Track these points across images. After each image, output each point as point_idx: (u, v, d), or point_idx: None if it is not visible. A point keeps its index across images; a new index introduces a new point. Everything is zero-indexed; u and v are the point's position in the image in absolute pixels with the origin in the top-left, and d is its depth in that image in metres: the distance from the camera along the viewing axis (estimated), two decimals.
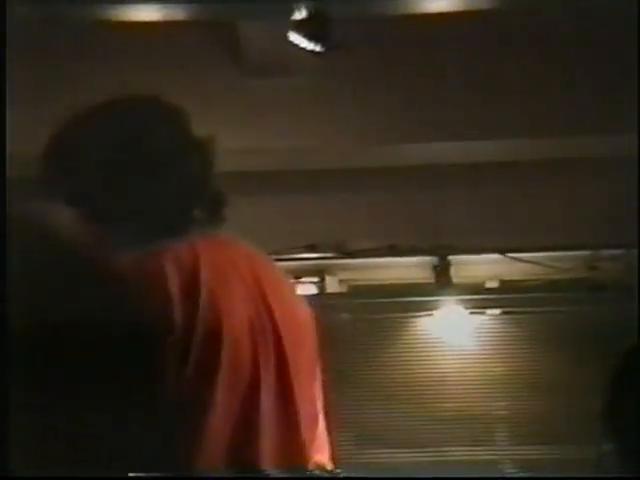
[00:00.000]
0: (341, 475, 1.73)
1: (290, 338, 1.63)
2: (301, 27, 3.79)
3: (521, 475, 4.70)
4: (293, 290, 1.76)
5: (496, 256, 4.78)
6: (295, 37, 3.82)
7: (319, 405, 1.72)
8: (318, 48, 3.81)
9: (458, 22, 4.10)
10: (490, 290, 4.89)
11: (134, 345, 1.46)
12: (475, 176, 4.65)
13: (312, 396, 1.68)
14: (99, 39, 4.26)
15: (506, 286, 4.89)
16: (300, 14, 3.74)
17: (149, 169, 1.61)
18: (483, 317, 4.87)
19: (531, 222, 4.72)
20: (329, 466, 1.72)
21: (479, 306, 4.81)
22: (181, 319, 1.50)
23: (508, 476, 4.69)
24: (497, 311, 4.88)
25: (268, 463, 1.55)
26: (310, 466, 1.64)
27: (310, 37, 3.80)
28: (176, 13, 3.90)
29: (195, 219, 1.64)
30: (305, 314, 1.73)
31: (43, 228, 1.37)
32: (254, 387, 1.56)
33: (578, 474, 4.29)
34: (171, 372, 1.49)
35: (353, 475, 1.60)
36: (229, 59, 4.35)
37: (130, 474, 1.27)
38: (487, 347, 4.84)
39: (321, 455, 1.71)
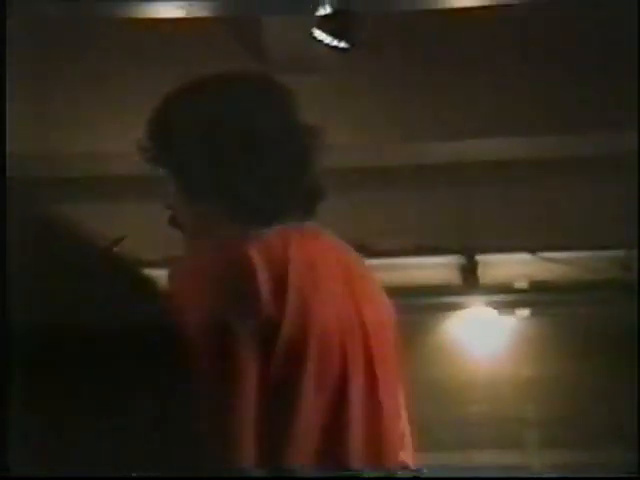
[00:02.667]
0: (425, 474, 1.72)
1: (376, 334, 1.62)
2: (325, 23, 3.74)
3: (520, 475, 4.64)
4: (378, 285, 1.73)
5: (525, 256, 4.72)
6: (319, 34, 3.77)
7: (401, 401, 1.71)
8: (342, 45, 3.75)
9: (486, 17, 4.04)
10: (519, 290, 4.82)
11: (213, 339, 1.43)
12: (503, 174, 4.58)
13: (395, 392, 1.67)
14: (122, 37, 4.24)
15: (536, 286, 4.82)
16: (324, 10, 3.69)
17: (250, 149, 1.58)
18: (512, 318, 4.81)
19: (562, 221, 4.65)
20: (411, 464, 1.71)
21: (508, 307, 4.76)
22: (268, 315, 1.47)
23: (508, 476, 4.62)
24: (526, 312, 4.82)
25: (356, 461, 1.54)
26: (395, 464, 1.63)
27: (334, 34, 3.75)
28: (199, 10, 3.87)
29: (290, 207, 1.61)
30: (389, 310, 1.71)
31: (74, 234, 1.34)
32: (343, 384, 1.54)
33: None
34: (253, 369, 1.46)
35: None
36: (253, 57, 4.31)
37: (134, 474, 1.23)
38: (516, 348, 4.78)
39: (405, 453, 1.69)
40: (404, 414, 1.72)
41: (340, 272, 1.60)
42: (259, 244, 1.52)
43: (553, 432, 4.71)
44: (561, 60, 4.26)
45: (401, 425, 1.69)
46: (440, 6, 3.87)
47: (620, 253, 4.63)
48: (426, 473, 1.73)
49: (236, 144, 1.57)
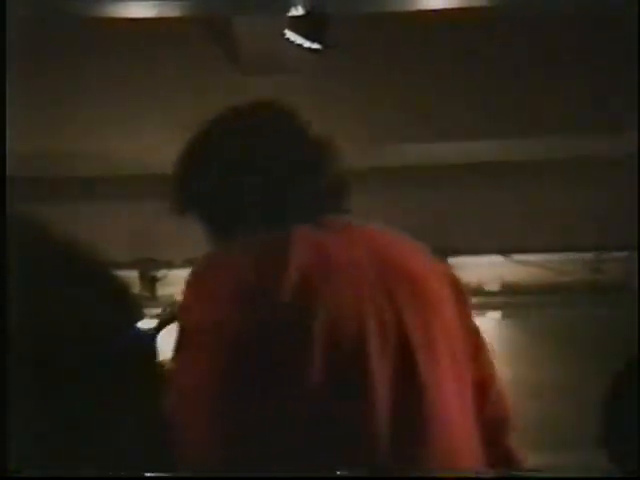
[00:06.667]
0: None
1: (418, 319, 1.58)
2: (298, 25, 3.73)
3: (519, 475, 4.64)
4: (428, 274, 1.67)
5: (497, 258, 4.72)
6: (291, 35, 3.77)
7: (466, 399, 1.61)
8: (315, 46, 3.75)
9: (458, 20, 4.04)
10: (490, 293, 4.83)
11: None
12: (475, 177, 4.59)
13: (457, 378, 1.60)
14: (95, 37, 4.22)
15: (507, 288, 4.82)
16: (296, 11, 3.69)
17: (267, 173, 1.69)
18: (483, 320, 4.82)
19: (533, 223, 4.66)
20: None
21: (479, 309, 4.77)
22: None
23: (506, 476, 4.63)
24: (498, 314, 4.82)
25: (381, 451, 1.48)
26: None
27: (307, 35, 3.74)
28: (172, 10, 3.85)
29: (306, 206, 1.68)
30: (443, 298, 1.64)
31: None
32: (361, 369, 1.50)
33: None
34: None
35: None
36: (226, 57, 4.30)
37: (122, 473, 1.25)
38: None
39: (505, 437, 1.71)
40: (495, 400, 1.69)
41: (372, 264, 1.60)
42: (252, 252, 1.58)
43: (523, 433, 4.71)
44: (530, 62, 4.28)
45: (466, 413, 1.60)
46: (412, 8, 3.87)
47: (590, 256, 4.64)
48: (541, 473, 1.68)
49: (255, 173, 1.68)
